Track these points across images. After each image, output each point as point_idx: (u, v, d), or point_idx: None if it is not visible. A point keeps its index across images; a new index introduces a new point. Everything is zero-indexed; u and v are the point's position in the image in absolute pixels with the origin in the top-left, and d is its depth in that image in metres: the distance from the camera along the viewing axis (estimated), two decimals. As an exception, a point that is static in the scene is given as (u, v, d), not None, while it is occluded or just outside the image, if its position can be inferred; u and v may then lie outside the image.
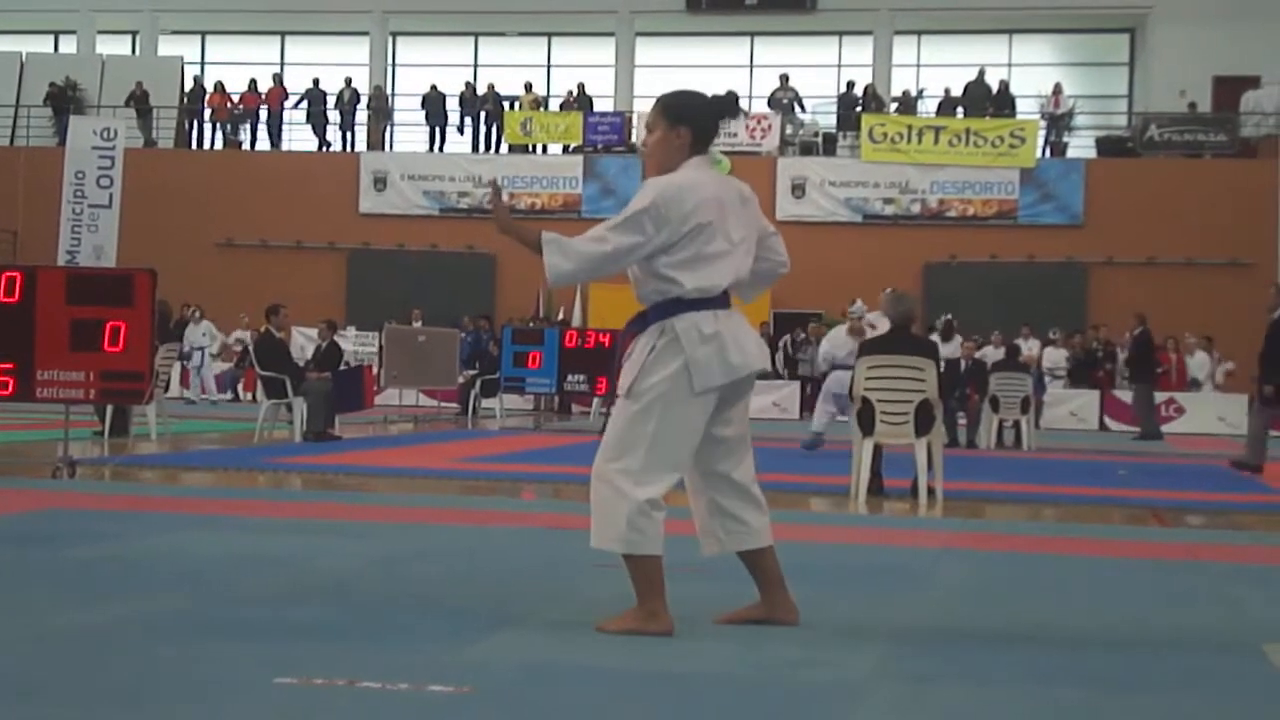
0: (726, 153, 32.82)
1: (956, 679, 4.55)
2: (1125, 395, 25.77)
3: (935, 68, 35.15)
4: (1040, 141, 32.12)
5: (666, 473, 5.00)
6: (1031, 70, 34.79)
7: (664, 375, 4.99)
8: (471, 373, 24.45)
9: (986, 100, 32.96)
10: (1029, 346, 26.31)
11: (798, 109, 33.80)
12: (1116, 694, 4.40)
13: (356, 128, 34.97)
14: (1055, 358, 27.66)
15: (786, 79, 33.82)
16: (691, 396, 4.98)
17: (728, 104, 5.39)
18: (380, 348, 23.56)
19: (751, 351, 5.12)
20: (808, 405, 27.92)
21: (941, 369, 11.70)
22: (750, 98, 34.92)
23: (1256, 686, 4.58)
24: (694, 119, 5.27)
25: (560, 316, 29.82)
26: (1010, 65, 35.11)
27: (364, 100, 35.29)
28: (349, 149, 34.78)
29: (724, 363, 5.02)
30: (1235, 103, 30.81)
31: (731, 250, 5.13)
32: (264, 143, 35.29)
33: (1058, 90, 32.77)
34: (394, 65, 38.05)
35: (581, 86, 34.64)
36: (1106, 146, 32.73)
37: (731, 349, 5.03)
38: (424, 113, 34.52)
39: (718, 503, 5.24)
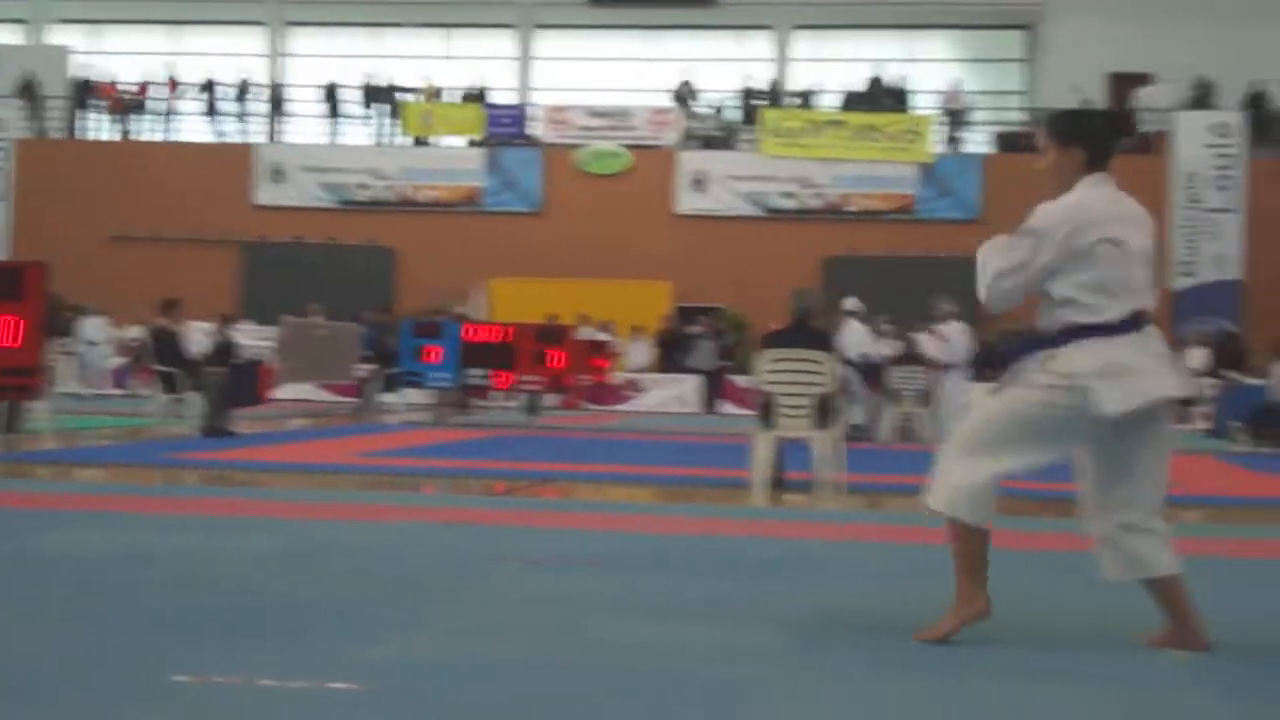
0: (628, 146, 32.92)
1: (866, 670, 4.57)
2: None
3: (834, 63, 35.37)
4: (938, 137, 32.44)
5: None
6: (929, 66, 35.14)
7: None
8: (371, 367, 24.25)
9: (885, 96, 33.23)
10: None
11: (699, 103, 33.89)
12: (1025, 683, 4.44)
13: (252, 119, 34.60)
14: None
15: (688, 73, 33.89)
16: None
17: (1122, 119, 5.28)
18: (276, 342, 23.31)
19: None
20: (705, 400, 28.03)
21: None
22: (651, 91, 34.97)
23: (1166, 678, 4.63)
24: (1087, 137, 5.12)
25: (460, 310, 29.65)
26: (908, 61, 35.41)
27: (259, 91, 34.91)
28: (244, 141, 34.42)
29: None
30: (1129, 99, 31.31)
31: None
32: (157, 134, 34.83)
33: (955, 86, 33.09)
34: (290, 56, 37.67)
35: (482, 79, 34.51)
36: (1004, 142, 33.11)
37: None
38: (322, 104, 34.24)
39: None
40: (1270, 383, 19.99)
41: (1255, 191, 29.38)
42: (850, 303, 18.15)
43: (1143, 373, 4.84)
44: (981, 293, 5.09)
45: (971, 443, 4.99)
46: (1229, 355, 25.13)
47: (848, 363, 17.50)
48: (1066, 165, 5.09)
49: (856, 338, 17.94)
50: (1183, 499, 5.16)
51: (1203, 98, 30.94)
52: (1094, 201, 4.98)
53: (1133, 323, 4.90)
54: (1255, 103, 31.36)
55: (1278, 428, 19.11)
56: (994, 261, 5.04)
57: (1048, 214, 4.98)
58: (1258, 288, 28.67)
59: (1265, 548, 8.53)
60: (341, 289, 30.01)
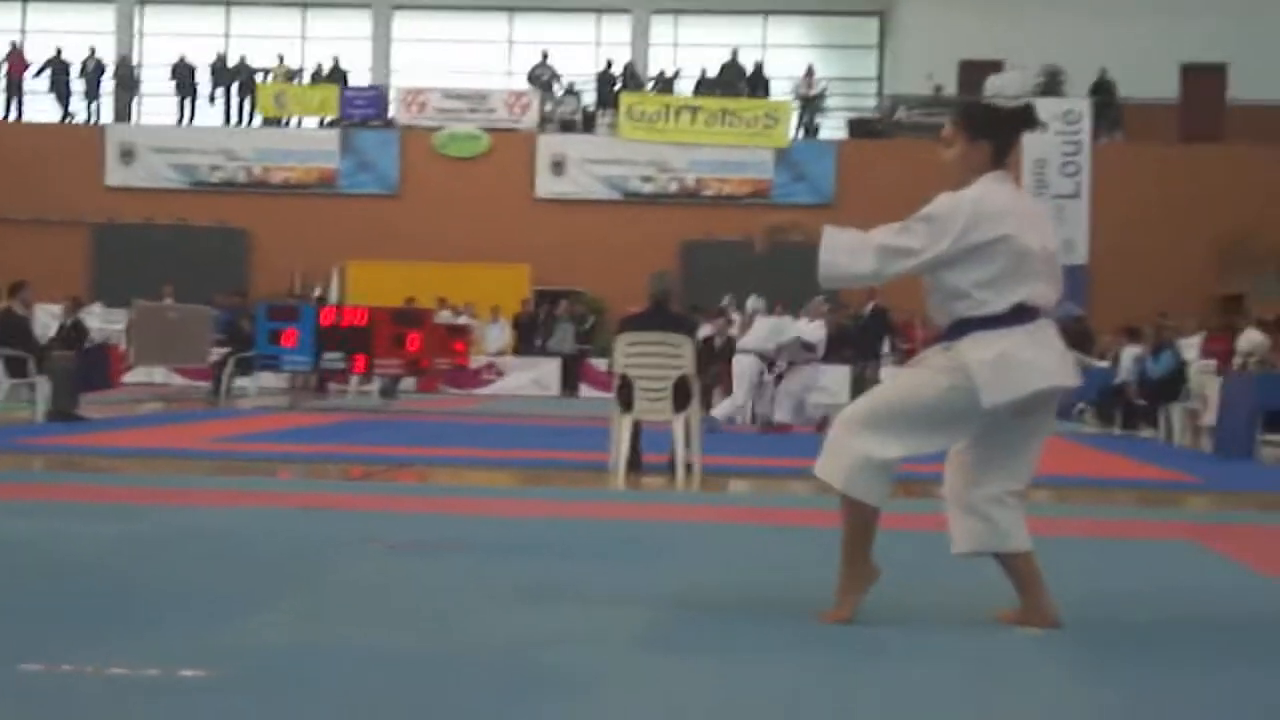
0: (486, 129, 32.76)
1: (719, 650, 4.60)
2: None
3: (692, 47, 35.50)
4: (793, 122, 32.72)
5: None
6: (785, 51, 35.39)
7: None
8: (224, 350, 23.93)
9: (741, 81, 33.43)
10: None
11: (557, 86, 33.83)
12: (878, 660, 4.51)
13: (101, 98, 33.91)
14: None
15: (546, 55, 33.81)
16: None
17: (1028, 116, 5.22)
18: (127, 325, 22.90)
19: None
20: (564, 384, 28.04)
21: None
22: (509, 74, 34.86)
23: (1019, 654, 4.72)
24: (996, 132, 5.14)
25: (317, 293, 29.37)
26: (765, 46, 35.64)
27: (109, 70, 34.21)
28: (94, 121, 33.72)
29: None
30: (980, 86, 31.72)
31: None
32: (4, 113, 33.97)
33: (810, 72, 33.40)
34: (141, 34, 36.92)
35: (337, 59, 34.13)
36: (857, 128, 33.49)
37: None
38: (173, 84, 33.63)
39: None
40: (1117, 365, 20.45)
41: (1099, 177, 30.04)
42: (753, 302, 18.47)
43: (1032, 364, 4.91)
44: (862, 266, 5.03)
45: (873, 422, 5.02)
46: (1076, 338, 25.63)
47: (761, 356, 17.75)
48: (973, 158, 5.11)
49: (765, 331, 18.09)
50: (1033, 479, 5.25)
51: (1051, 85, 31.56)
52: (995, 197, 5.00)
53: (1024, 315, 4.95)
54: (1101, 90, 32.05)
55: (1124, 410, 19.57)
56: (884, 237, 5.02)
57: (948, 204, 4.99)
58: (1102, 271, 29.32)
59: (1112, 527, 8.74)
60: (194, 271, 29.55)
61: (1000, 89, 5.44)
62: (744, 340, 18.26)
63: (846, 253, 5.05)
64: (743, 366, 17.84)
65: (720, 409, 17.81)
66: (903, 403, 5.03)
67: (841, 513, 5.10)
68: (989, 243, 4.92)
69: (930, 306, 5.14)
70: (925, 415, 5.00)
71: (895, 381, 5.21)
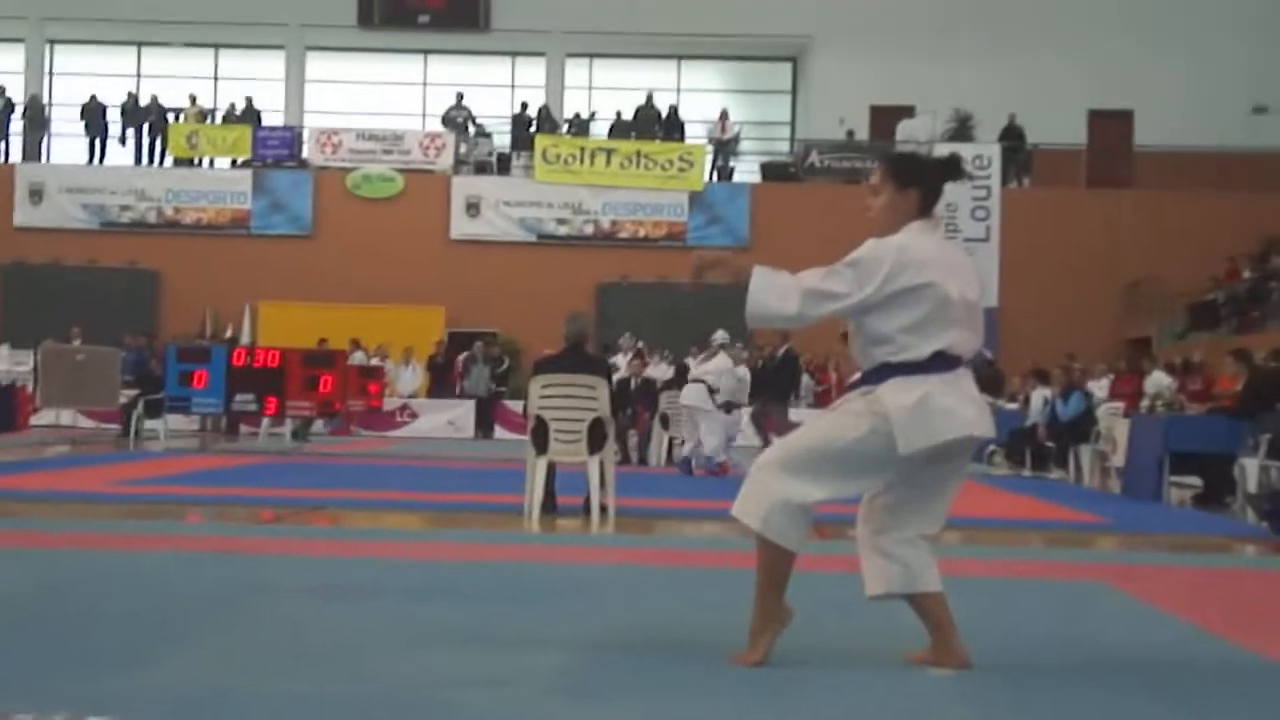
0: (401, 171, 32.68)
1: (633, 692, 4.59)
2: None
3: (607, 90, 35.64)
4: (708, 165, 32.89)
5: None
6: (700, 95, 35.62)
7: None
8: (134, 392, 23.67)
9: (656, 124, 33.59)
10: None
11: (472, 128, 33.83)
12: (792, 701, 4.51)
13: (11, 138, 33.51)
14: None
15: (461, 97, 33.82)
16: None
17: (954, 166, 5.30)
18: (36, 366, 22.59)
19: None
20: (478, 426, 27.94)
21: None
22: (424, 116, 34.82)
23: (931, 694, 4.75)
24: (923, 181, 5.20)
25: (229, 334, 29.14)
26: (679, 90, 35.85)
27: (19, 109, 33.84)
28: (2, 160, 33.31)
29: None
30: (891, 131, 32.15)
31: None
32: (-91, 151, 33.53)
33: (724, 116, 33.62)
34: (52, 74, 36.57)
35: (250, 100, 33.94)
36: (771, 171, 33.72)
37: None
38: (83, 123, 33.31)
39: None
40: (1027, 407, 20.65)
41: (1009, 221, 30.42)
42: (719, 336, 18.37)
43: (951, 411, 4.96)
44: (788, 308, 5.06)
45: (791, 464, 5.04)
46: (987, 381, 25.86)
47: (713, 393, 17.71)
48: (901, 207, 5.20)
49: (720, 369, 18.04)
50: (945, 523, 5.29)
51: (961, 130, 31.95)
52: (921, 245, 5.08)
53: (944, 363, 5.01)
54: (1010, 135, 32.48)
55: (1034, 451, 19.76)
56: (810, 280, 5.07)
57: (874, 251, 5.06)
58: (1011, 314, 29.63)
59: (1022, 568, 8.81)
60: (103, 312, 29.20)
61: (911, 133, 5.53)
62: (703, 368, 18.15)
63: (775, 294, 5.08)
64: (698, 400, 17.67)
65: (710, 449, 17.65)
66: (822, 446, 5.06)
67: (757, 554, 5.12)
68: (913, 289, 4.99)
69: (853, 350, 5.18)
70: (844, 459, 5.03)
71: (815, 425, 5.24)
